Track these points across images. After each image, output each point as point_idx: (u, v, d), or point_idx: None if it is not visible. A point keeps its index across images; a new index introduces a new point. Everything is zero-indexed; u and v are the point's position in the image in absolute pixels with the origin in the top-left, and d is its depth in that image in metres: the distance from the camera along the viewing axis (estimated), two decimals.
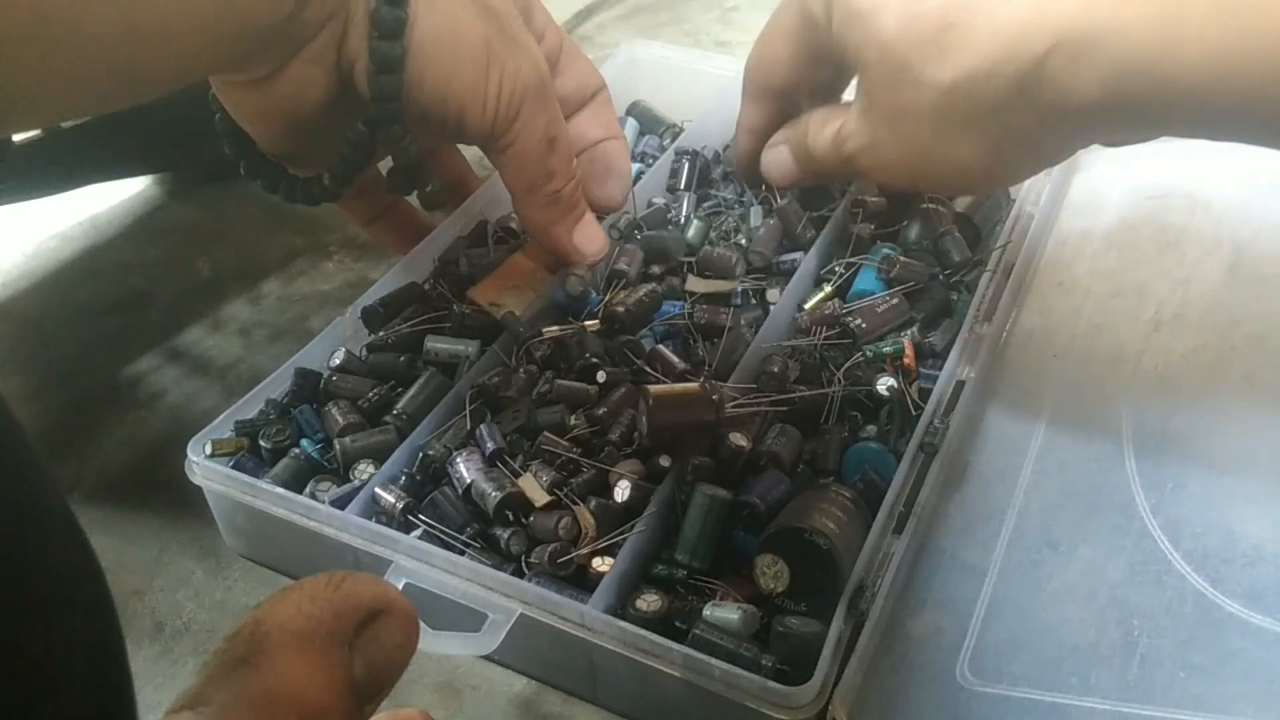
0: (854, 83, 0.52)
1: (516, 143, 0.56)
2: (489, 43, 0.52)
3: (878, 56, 0.45)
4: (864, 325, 0.61)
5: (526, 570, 0.52)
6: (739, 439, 0.54)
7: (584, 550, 0.51)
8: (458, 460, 0.55)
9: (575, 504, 0.53)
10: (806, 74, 0.54)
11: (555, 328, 0.61)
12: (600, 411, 0.57)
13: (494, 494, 0.53)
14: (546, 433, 0.56)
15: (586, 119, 0.64)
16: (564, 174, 0.59)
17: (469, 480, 0.54)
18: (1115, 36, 0.39)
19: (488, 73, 0.52)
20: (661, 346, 0.61)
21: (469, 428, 0.57)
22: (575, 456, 0.55)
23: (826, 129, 0.52)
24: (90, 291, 0.79)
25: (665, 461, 0.54)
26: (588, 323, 0.62)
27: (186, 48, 0.44)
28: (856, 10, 0.46)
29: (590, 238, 0.63)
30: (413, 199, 0.62)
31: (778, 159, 0.57)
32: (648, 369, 0.59)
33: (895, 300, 0.63)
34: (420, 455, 0.56)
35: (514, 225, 0.72)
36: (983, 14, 0.42)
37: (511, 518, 0.53)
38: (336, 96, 0.52)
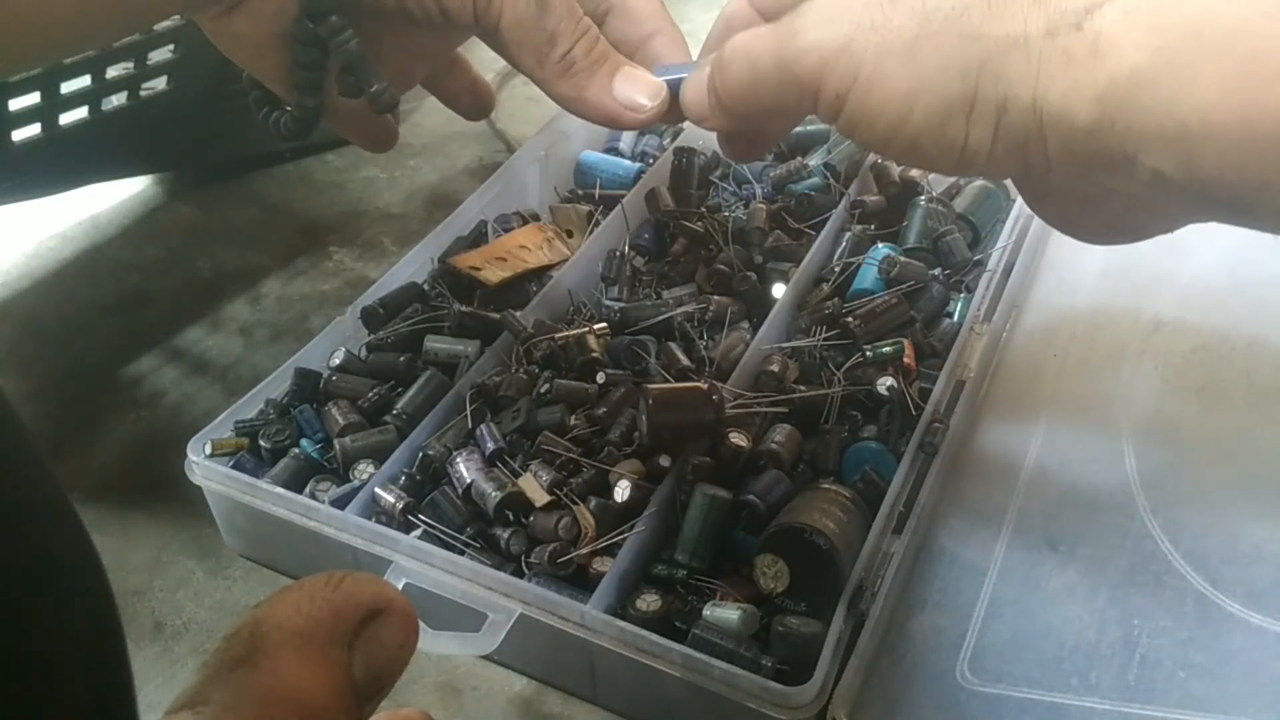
0: None
1: (503, 15, 0.50)
2: None
3: None
4: (863, 325, 0.61)
5: (526, 570, 0.52)
6: (739, 439, 0.54)
7: (584, 550, 0.51)
8: (458, 460, 0.55)
9: (575, 504, 0.53)
10: None
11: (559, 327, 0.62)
12: (600, 411, 0.57)
13: (494, 494, 0.53)
14: (546, 433, 0.56)
15: (626, 12, 0.56)
16: (568, 33, 0.53)
17: (469, 480, 0.54)
18: (1112, 57, 0.35)
19: None
20: (672, 345, 0.61)
21: (469, 428, 0.57)
22: (575, 456, 0.55)
23: (762, 29, 0.44)
24: (90, 291, 0.79)
25: (665, 461, 0.54)
26: (596, 326, 0.62)
27: None
28: None
29: (636, 88, 0.54)
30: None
31: (696, 81, 0.48)
32: (653, 363, 0.59)
33: (895, 300, 0.63)
34: (420, 455, 0.56)
35: (513, 225, 0.72)
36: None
37: (511, 518, 0.53)
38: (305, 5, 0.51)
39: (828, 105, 0.41)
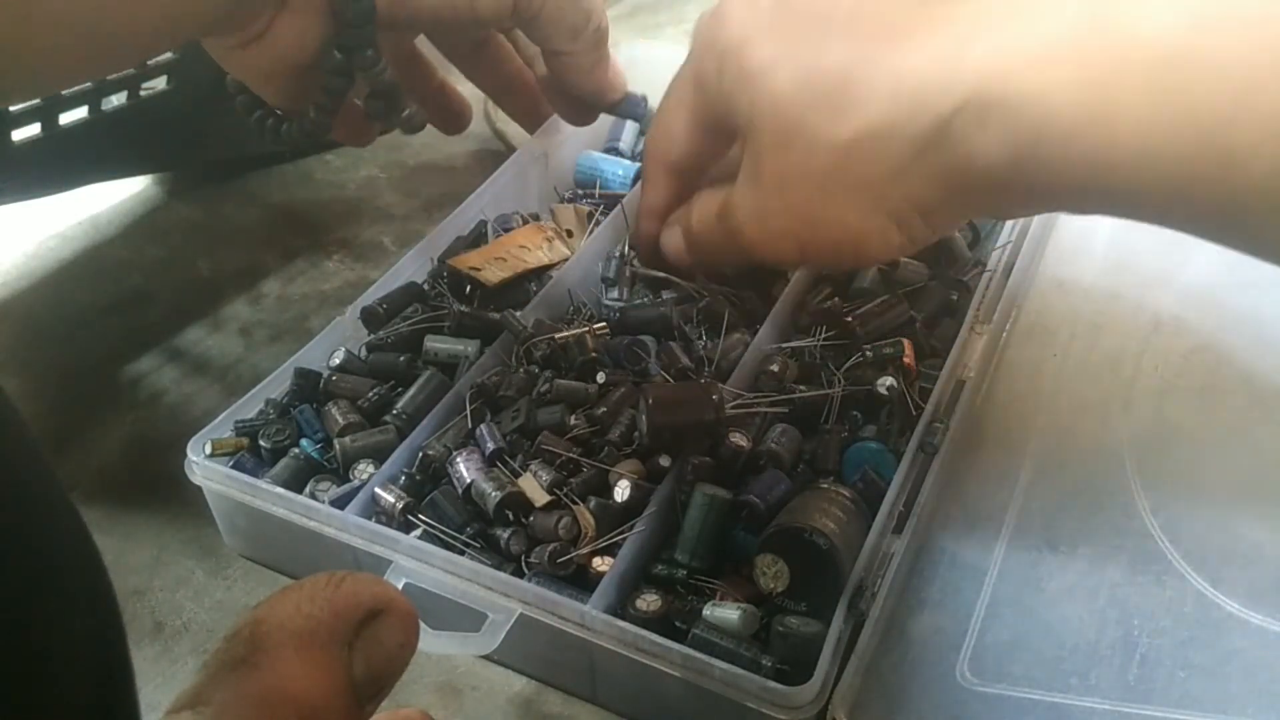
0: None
1: (547, 1, 0.56)
2: None
3: (769, 116, 0.41)
4: (863, 326, 0.61)
5: (526, 570, 0.52)
6: (739, 439, 0.54)
7: (584, 550, 0.51)
8: (457, 460, 0.55)
9: (575, 504, 0.53)
10: (705, 147, 0.50)
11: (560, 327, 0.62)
12: (600, 411, 0.57)
13: (494, 494, 0.53)
14: (546, 432, 0.56)
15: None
16: (599, 7, 0.60)
17: (469, 480, 0.54)
18: (1033, 102, 0.35)
19: None
20: (672, 344, 0.61)
21: (469, 428, 0.57)
22: (575, 456, 0.55)
23: (712, 203, 0.48)
24: (90, 291, 0.79)
25: (665, 461, 0.54)
26: (595, 326, 0.62)
27: (178, 9, 0.44)
28: (748, 68, 0.42)
29: (619, 72, 0.64)
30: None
31: (671, 239, 0.52)
32: (653, 363, 0.59)
33: (895, 300, 0.63)
34: (420, 455, 0.56)
35: (513, 225, 0.72)
36: (885, 69, 0.38)
37: (511, 518, 0.53)
38: (330, 39, 0.52)
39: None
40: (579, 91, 0.65)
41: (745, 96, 0.42)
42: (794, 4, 0.41)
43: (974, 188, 0.39)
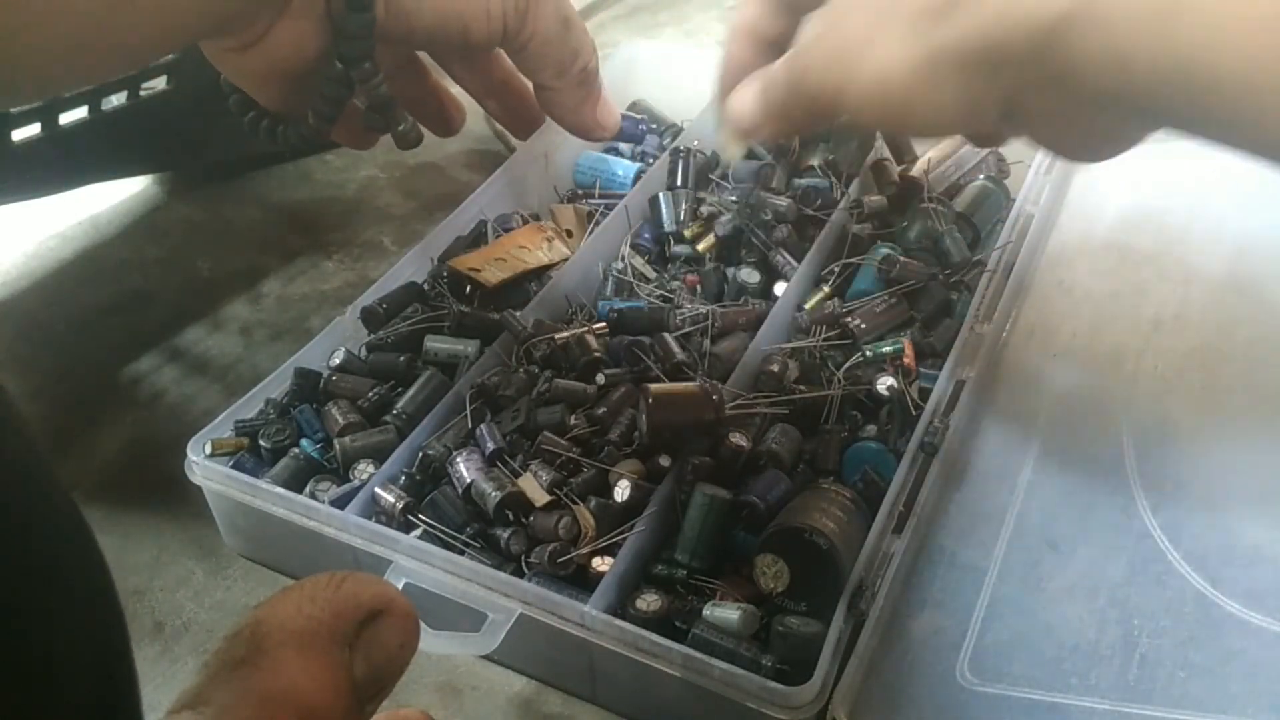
0: None
1: (535, 35, 0.56)
2: None
3: None
4: (863, 325, 0.61)
5: (526, 570, 0.52)
6: (739, 439, 0.54)
7: (584, 550, 0.51)
8: (458, 460, 0.55)
9: (575, 504, 0.53)
10: (783, 27, 0.49)
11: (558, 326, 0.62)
12: (600, 411, 0.57)
13: (494, 494, 0.53)
14: (546, 432, 0.56)
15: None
16: (587, 49, 0.60)
17: (469, 480, 0.54)
18: (1127, 16, 0.34)
19: None
20: (667, 336, 0.61)
21: (469, 427, 0.57)
22: (575, 456, 0.55)
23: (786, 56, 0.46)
24: (90, 291, 0.79)
25: (665, 461, 0.54)
26: (595, 326, 0.62)
27: (175, 16, 0.44)
28: None
29: (610, 112, 0.65)
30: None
31: (740, 97, 0.49)
32: (654, 367, 0.59)
33: (895, 300, 0.63)
34: (420, 455, 0.56)
35: (513, 225, 0.72)
36: None
37: (511, 517, 0.53)
38: (327, 47, 0.52)
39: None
40: (565, 126, 0.67)
41: None
42: None
43: (1053, 77, 0.38)
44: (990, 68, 0.38)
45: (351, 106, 0.60)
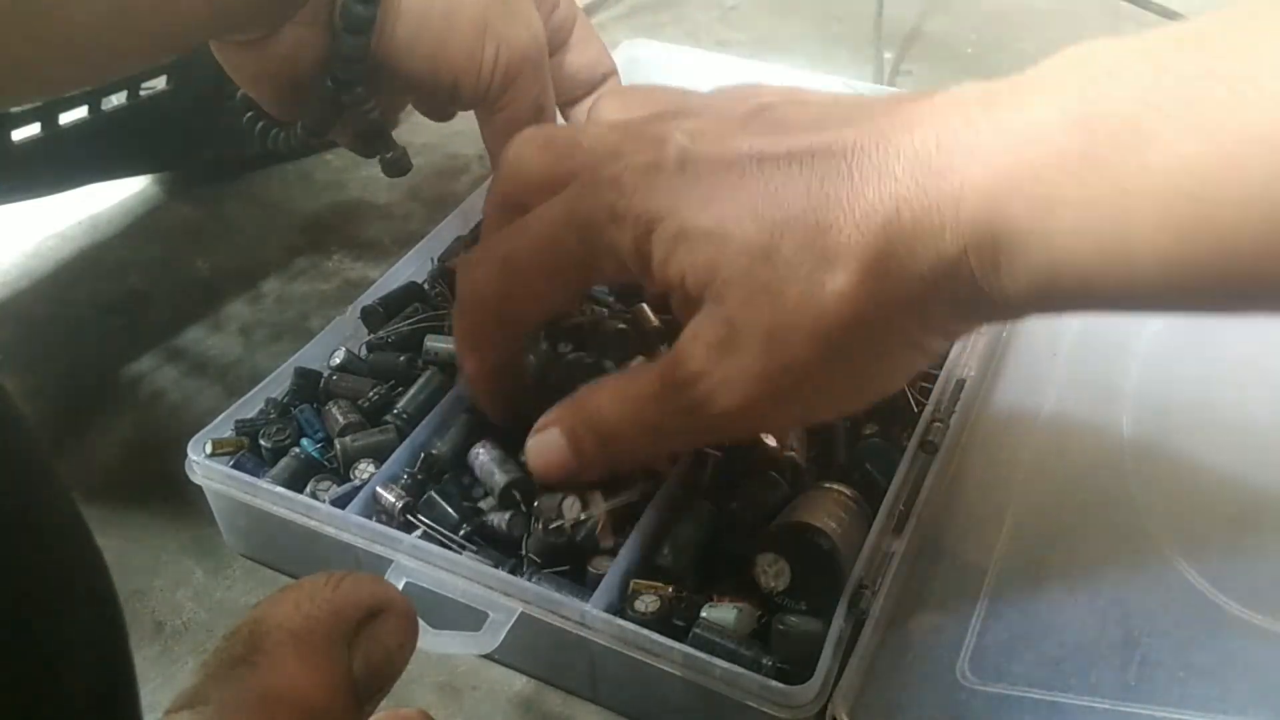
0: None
1: (507, 109, 0.56)
2: (487, 12, 0.52)
3: (744, 273, 0.37)
4: None
5: (526, 552, 0.52)
6: (770, 439, 0.54)
7: (582, 518, 0.51)
8: (479, 450, 0.55)
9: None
10: (568, 306, 0.47)
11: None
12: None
13: (501, 477, 0.53)
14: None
15: (578, 52, 0.63)
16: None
17: (485, 466, 0.54)
18: (1041, 242, 0.33)
19: (484, 43, 0.52)
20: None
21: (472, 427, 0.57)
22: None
23: (643, 380, 0.43)
24: (90, 291, 0.79)
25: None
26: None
27: (183, 18, 0.44)
28: (699, 229, 0.38)
29: None
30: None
31: (548, 447, 0.45)
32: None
33: None
34: (423, 455, 0.56)
35: None
36: (863, 211, 0.35)
37: (519, 497, 0.53)
38: (324, 61, 0.52)
39: None
40: None
41: (701, 258, 0.38)
42: (703, 156, 0.38)
43: (995, 311, 0.37)
44: (901, 306, 0.37)
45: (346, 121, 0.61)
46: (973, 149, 0.34)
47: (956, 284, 0.35)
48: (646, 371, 0.43)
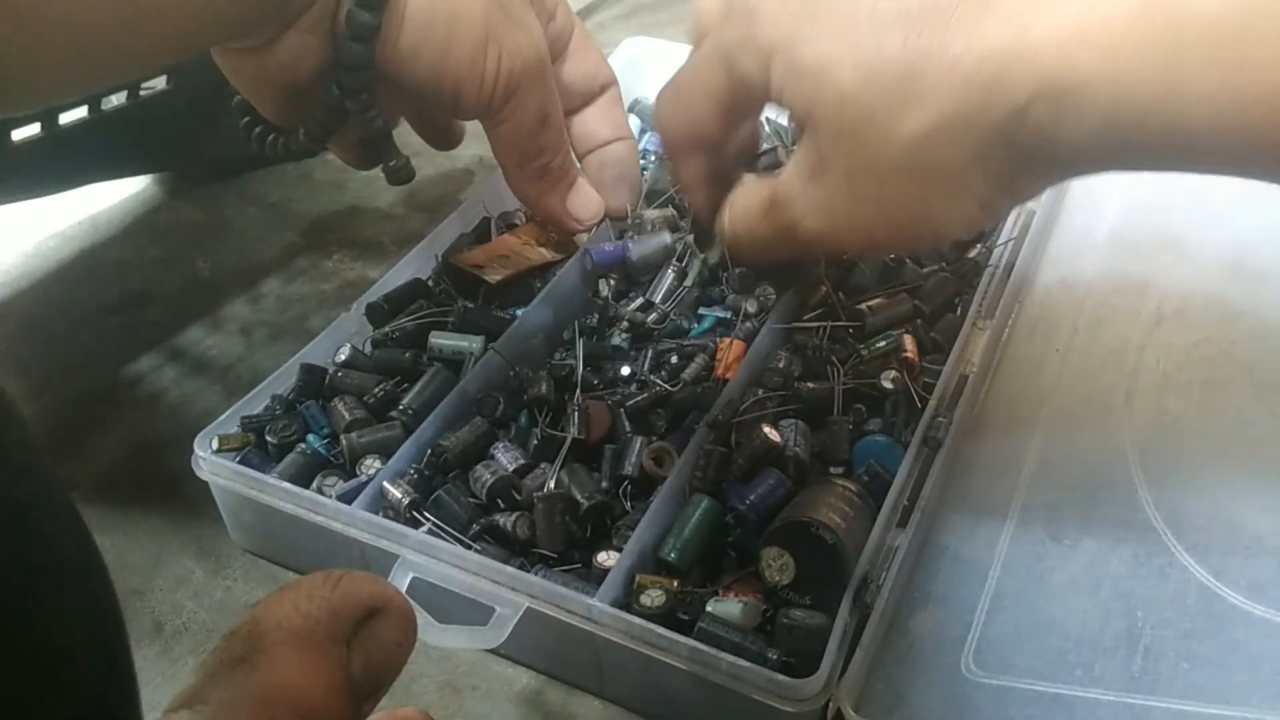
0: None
1: (510, 120, 0.56)
2: (488, 21, 0.52)
3: (835, 110, 0.41)
4: (866, 321, 0.61)
5: (533, 549, 0.52)
6: (773, 433, 0.54)
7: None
8: (497, 452, 0.56)
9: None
10: (728, 130, 0.50)
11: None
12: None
13: (488, 479, 0.54)
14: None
15: (595, 116, 0.64)
16: (553, 148, 0.60)
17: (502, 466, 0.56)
18: (1105, 86, 0.36)
19: (485, 52, 0.52)
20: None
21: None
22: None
23: (753, 197, 0.48)
24: (90, 291, 0.79)
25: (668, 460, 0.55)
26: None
27: (184, 26, 0.44)
28: (803, 64, 0.42)
29: (583, 204, 0.64)
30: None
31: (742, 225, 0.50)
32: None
33: (897, 297, 0.63)
34: (430, 450, 0.56)
35: (517, 222, 0.72)
36: (949, 60, 0.38)
37: (503, 505, 0.54)
38: (325, 69, 0.52)
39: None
40: (534, 212, 0.67)
41: (804, 92, 0.42)
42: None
43: (1057, 162, 0.40)
44: (970, 156, 0.40)
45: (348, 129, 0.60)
46: (1052, 4, 0.37)
47: (1023, 133, 0.38)
48: (759, 189, 0.48)
